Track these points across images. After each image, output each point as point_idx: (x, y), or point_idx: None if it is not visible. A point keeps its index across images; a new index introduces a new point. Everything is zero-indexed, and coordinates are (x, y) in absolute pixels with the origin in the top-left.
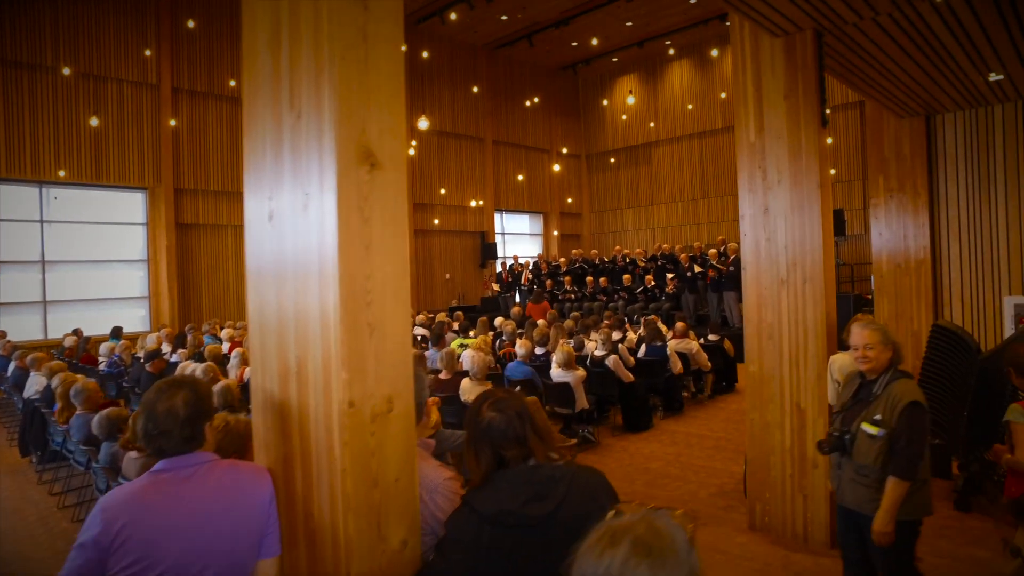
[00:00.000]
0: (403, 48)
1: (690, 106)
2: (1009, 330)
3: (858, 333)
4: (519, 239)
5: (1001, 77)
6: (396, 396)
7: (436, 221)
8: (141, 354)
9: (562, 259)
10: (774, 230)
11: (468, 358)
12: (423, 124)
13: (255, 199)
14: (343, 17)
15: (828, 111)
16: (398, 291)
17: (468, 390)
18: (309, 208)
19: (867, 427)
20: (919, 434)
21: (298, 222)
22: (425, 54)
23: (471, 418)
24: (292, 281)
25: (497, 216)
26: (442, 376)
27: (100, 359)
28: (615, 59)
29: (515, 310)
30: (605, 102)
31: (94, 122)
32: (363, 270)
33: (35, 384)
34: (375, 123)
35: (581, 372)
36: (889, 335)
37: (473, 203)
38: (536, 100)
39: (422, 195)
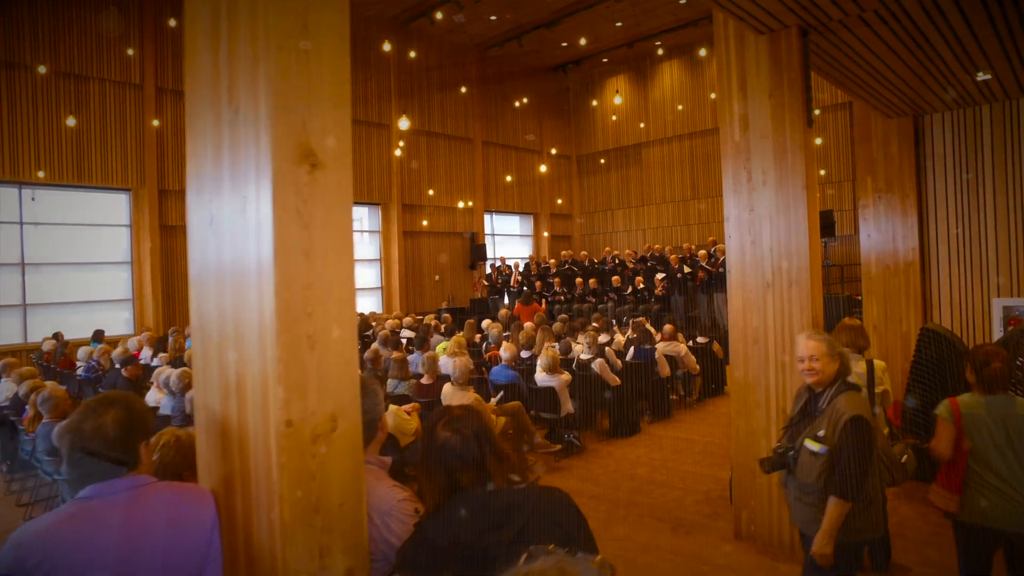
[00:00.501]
0: (388, 47)
1: (680, 107)
2: (998, 332)
3: (803, 344)
4: (509, 240)
5: (989, 77)
6: (340, 414)
7: (425, 222)
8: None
9: (551, 260)
10: (759, 232)
11: (448, 362)
12: (403, 124)
13: (197, 202)
14: (281, 4)
15: (817, 111)
16: (342, 301)
17: (450, 396)
18: (247, 212)
19: (810, 443)
20: (862, 451)
21: (236, 227)
22: (413, 54)
23: (425, 437)
24: (231, 290)
25: (487, 217)
26: (424, 381)
27: (78, 363)
28: (605, 59)
29: (502, 312)
30: (595, 103)
31: (71, 122)
32: (302, 278)
33: (4, 391)
34: (317, 119)
35: (566, 376)
36: (836, 345)
37: (462, 204)
38: (525, 101)
39: (411, 196)
